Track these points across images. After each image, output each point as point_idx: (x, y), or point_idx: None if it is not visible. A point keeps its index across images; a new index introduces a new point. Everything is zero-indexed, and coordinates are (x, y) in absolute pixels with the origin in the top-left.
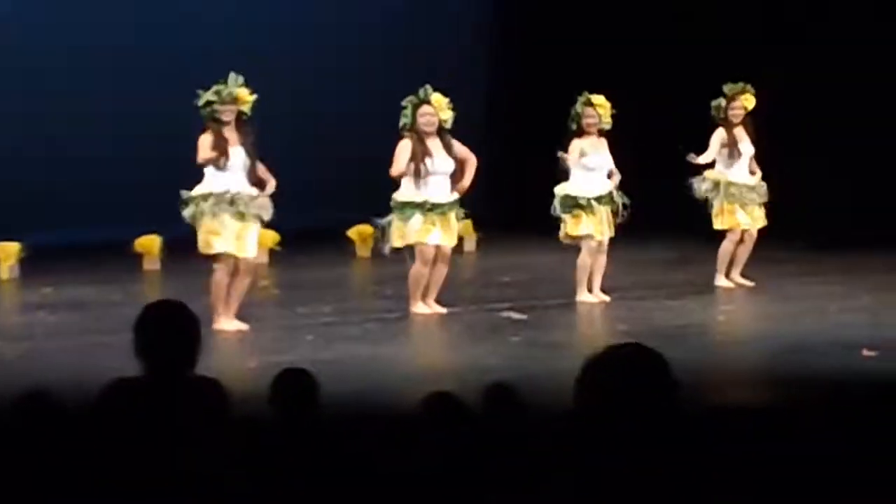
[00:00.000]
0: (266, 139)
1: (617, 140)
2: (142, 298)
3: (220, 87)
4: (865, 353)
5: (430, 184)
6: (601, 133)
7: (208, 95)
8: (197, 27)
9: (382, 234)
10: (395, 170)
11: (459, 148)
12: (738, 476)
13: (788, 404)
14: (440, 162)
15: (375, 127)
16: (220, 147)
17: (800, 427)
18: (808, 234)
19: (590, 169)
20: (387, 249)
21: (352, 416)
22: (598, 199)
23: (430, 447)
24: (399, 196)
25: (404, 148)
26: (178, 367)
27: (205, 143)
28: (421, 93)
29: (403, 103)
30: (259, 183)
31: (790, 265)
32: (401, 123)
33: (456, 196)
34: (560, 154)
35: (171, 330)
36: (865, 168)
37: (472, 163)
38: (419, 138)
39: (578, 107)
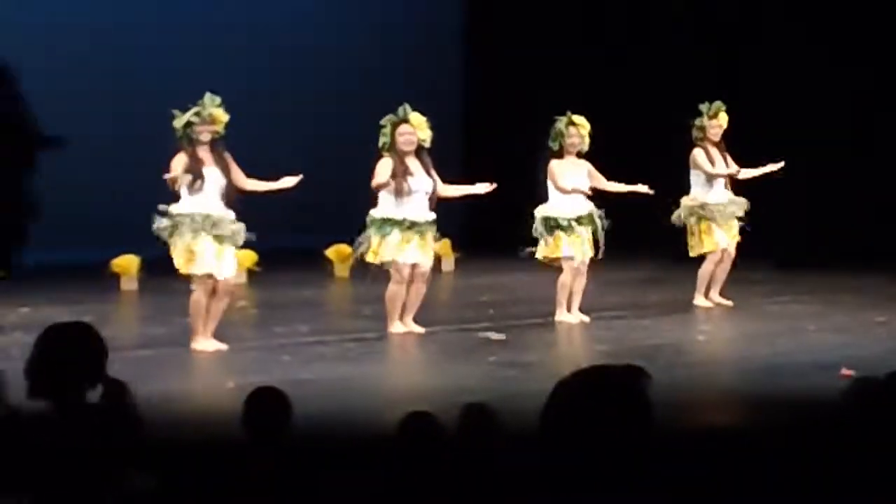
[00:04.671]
0: (243, 159)
1: (590, 160)
2: (118, 319)
3: (199, 107)
4: (845, 371)
5: (410, 202)
6: (580, 154)
7: (189, 116)
8: (173, 49)
9: (362, 249)
10: (376, 182)
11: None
12: (713, 498)
13: (765, 425)
14: (419, 181)
15: (354, 147)
16: (195, 168)
17: (776, 448)
18: (777, 254)
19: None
20: (368, 264)
21: (329, 436)
22: (579, 220)
23: (406, 468)
24: (376, 213)
25: (385, 165)
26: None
27: (178, 164)
28: (400, 112)
29: (382, 122)
30: (239, 195)
31: (765, 285)
32: (380, 143)
33: (433, 216)
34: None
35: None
36: (836, 187)
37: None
38: (399, 157)
39: (562, 126)
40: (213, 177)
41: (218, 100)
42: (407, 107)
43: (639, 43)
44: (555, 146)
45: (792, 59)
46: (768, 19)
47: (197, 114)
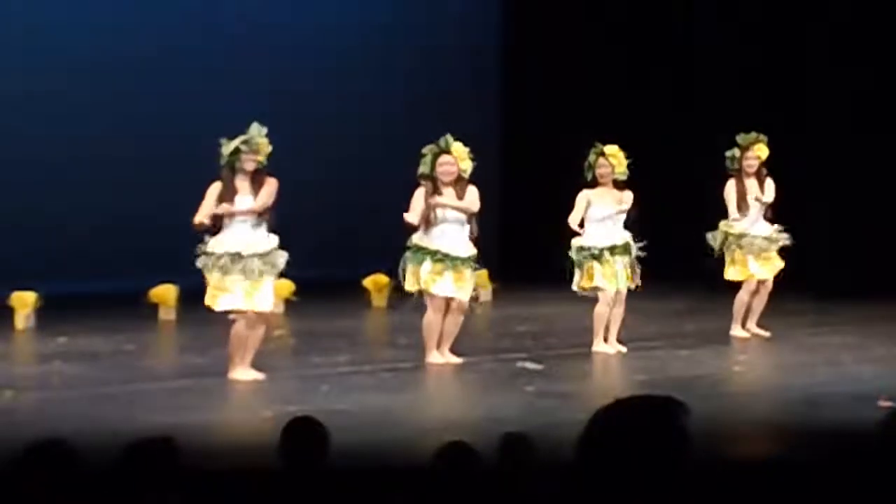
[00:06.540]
0: (282, 189)
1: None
2: (157, 349)
3: (247, 136)
4: (883, 402)
5: (442, 233)
6: (617, 183)
7: (237, 143)
8: (212, 75)
9: (402, 276)
10: (414, 217)
11: (468, 195)
12: None
13: (803, 456)
14: (452, 211)
15: (392, 176)
16: (227, 198)
17: (814, 480)
18: (817, 285)
19: (599, 220)
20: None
21: (366, 466)
22: (612, 250)
23: (443, 498)
24: (415, 238)
25: (420, 196)
26: None
27: (211, 193)
28: (442, 142)
29: (424, 151)
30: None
31: (803, 315)
32: (419, 171)
33: (471, 251)
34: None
35: None
36: (874, 217)
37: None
38: (434, 186)
39: (591, 157)
40: (246, 206)
41: (265, 130)
42: (449, 137)
43: (679, 70)
44: (588, 176)
45: (833, 85)
46: (802, 47)
47: (245, 142)
